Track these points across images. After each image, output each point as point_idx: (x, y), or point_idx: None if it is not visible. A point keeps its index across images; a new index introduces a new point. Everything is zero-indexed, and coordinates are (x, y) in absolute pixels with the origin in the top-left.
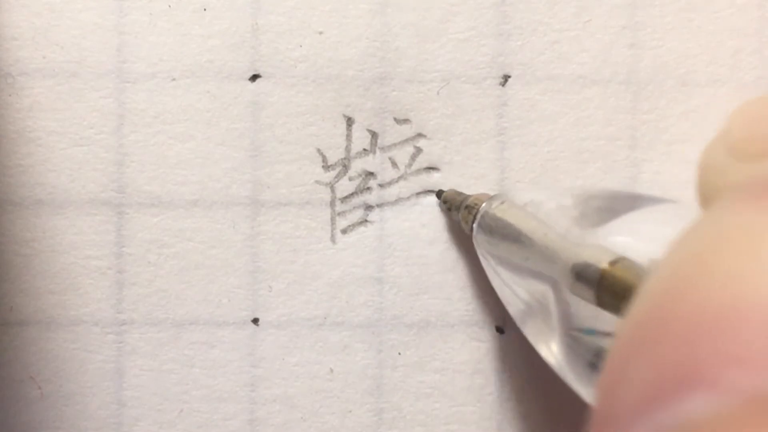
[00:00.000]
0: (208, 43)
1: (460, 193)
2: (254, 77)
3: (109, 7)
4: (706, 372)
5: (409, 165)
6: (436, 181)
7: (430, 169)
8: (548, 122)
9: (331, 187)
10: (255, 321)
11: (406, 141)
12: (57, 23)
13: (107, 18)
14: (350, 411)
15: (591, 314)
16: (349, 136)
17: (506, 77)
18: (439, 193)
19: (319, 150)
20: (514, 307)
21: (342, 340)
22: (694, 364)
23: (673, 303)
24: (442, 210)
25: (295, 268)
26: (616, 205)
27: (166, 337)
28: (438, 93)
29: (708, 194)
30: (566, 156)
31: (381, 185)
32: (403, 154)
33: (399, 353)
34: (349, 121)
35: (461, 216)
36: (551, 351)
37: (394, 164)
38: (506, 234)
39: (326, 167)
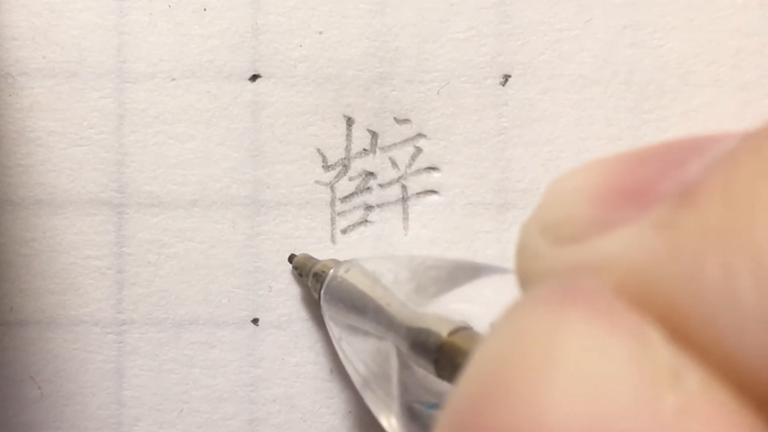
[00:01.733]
0: (208, 43)
1: (311, 258)
2: (254, 77)
3: (109, 7)
4: None
5: (409, 165)
6: (436, 180)
7: (430, 169)
8: (548, 122)
9: (331, 187)
10: (255, 321)
11: (406, 141)
12: (57, 23)
13: (107, 18)
14: (350, 411)
15: (431, 385)
16: (349, 136)
17: (506, 77)
18: (291, 258)
19: (319, 150)
20: (356, 375)
21: None
22: None
23: (475, 416)
24: (294, 276)
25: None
26: (456, 274)
27: (166, 337)
28: (438, 93)
29: (523, 278)
30: (566, 156)
31: (381, 185)
32: (403, 154)
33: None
34: (349, 121)
35: (310, 282)
36: (390, 423)
37: (394, 164)
38: (351, 300)
39: (326, 167)
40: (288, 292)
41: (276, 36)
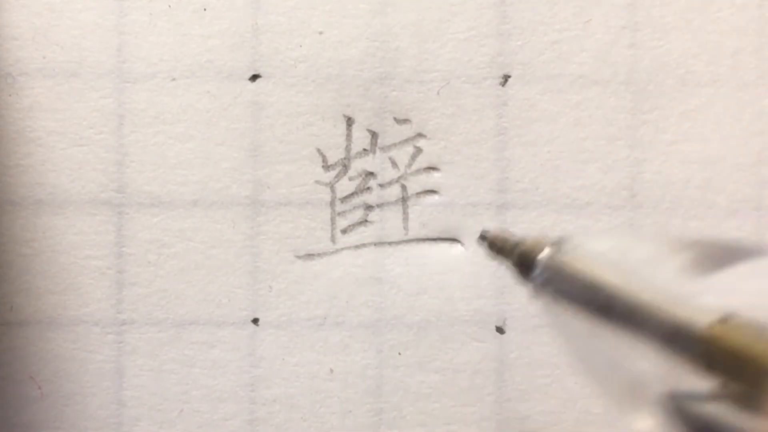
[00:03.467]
0: (208, 43)
1: (512, 235)
2: (254, 77)
3: (109, 7)
4: None
5: (409, 165)
6: (436, 180)
7: (430, 169)
8: (548, 122)
9: (331, 187)
10: (255, 321)
11: (406, 141)
12: (57, 23)
13: (107, 18)
14: (350, 411)
15: (691, 379)
16: (349, 136)
17: (506, 77)
18: (484, 234)
19: (319, 150)
20: (592, 372)
21: (342, 340)
22: None
23: None
24: (487, 254)
25: (295, 268)
26: (715, 256)
27: (166, 337)
28: (438, 93)
29: None
30: (566, 156)
31: (381, 185)
32: (403, 154)
33: (399, 353)
34: (349, 121)
35: (513, 265)
36: (646, 423)
37: (394, 164)
38: (578, 289)
39: (326, 167)
40: (288, 292)
41: (276, 36)
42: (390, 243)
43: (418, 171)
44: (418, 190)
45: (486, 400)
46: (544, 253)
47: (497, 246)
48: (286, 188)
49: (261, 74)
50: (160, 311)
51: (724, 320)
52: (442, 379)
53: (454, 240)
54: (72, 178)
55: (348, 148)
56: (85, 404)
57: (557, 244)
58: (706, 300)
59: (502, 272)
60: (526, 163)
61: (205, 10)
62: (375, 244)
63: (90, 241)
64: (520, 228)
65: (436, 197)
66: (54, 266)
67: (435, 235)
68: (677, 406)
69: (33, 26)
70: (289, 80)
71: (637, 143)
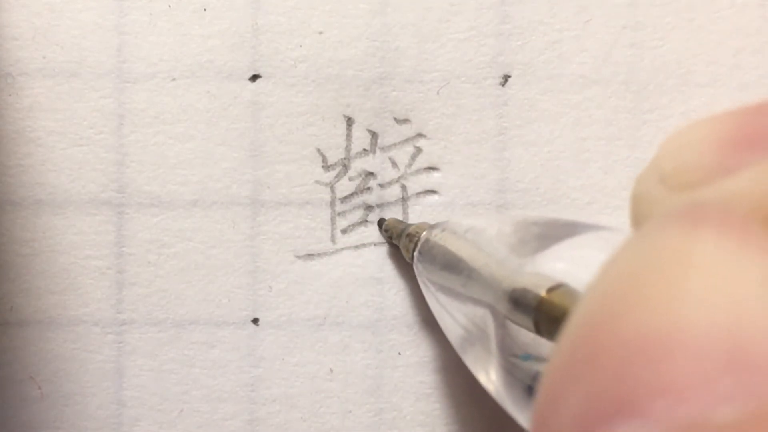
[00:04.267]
0: (208, 43)
1: (402, 222)
2: (254, 77)
3: (109, 7)
4: (637, 402)
5: (409, 165)
6: (436, 180)
7: (430, 169)
8: (548, 122)
9: (331, 187)
10: (255, 321)
11: (406, 141)
12: (57, 23)
13: (107, 18)
14: (350, 411)
15: (530, 340)
16: (349, 136)
17: (506, 77)
18: (381, 222)
19: (319, 150)
20: (453, 334)
21: (342, 340)
22: (625, 394)
23: (603, 330)
24: (384, 238)
25: (295, 268)
26: (554, 231)
27: (166, 337)
28: (438, 93)
29: (640, 224)
30: (566, 156)
31: (381, 185)
32: (403, 154)
33: (399, 353)
34: (349, 121)
35: (402, 244)
36: (489, 378)
37: (394, 164)
38: (446, 261)
39: (326, 167)
40: (288, 292)
41: (276, 36)
42: (390, 243)
43: (418, 171)
44: (418, 190)
45: (486, 400)
46: (423, 235)
47: (390, 231)
48: (286, 188)
49: (261, 74)
50: (160, 311)
51: (555, 288)
52: (442, 379)
53: None
54: (72, 178)
55: (348, 148)
56: (85, 404)
57: (433, 227)
58: (543, 270)
59: None
60: (526, 163)
61: (205, 10)
62: (375, 244)
63: (90, 241)
64: None
65: (436, 197)
66: (54, 266)
67: None
68: (517, 365)
69: (33, 26)
70: (289, 80)
71: (637, 143)
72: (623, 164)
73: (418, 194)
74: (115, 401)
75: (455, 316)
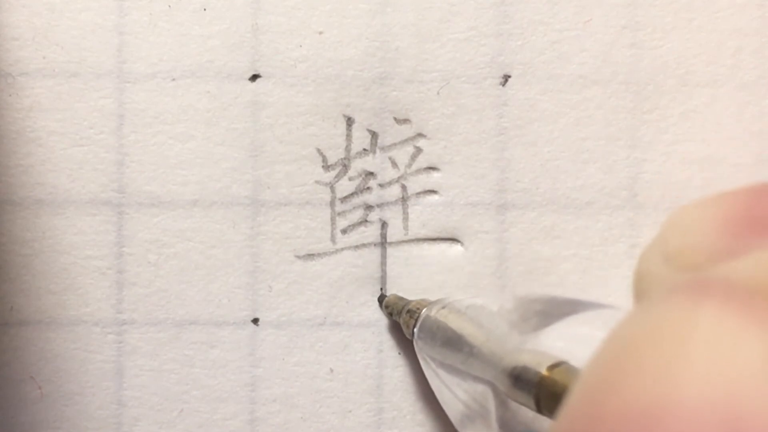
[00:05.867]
0: (208, 43)
1: (402, 298)
2: (254, 77)
3: (109, 7)
4: None
5: (409, 165)
6: (436, 180)
7: (430, 169)
8: (548, 122)
9: (331, 187)
10: (255, 321)
11: (406, 141)
12: (57, 23)
13: (107, 18)
14: (350, 411)
15: (530, 419)
16: (349, 136)
17: (506, 77)
18: (381, 298)
19: (319, 150)
20: (453, 410)
21: (342, 340)
22: None
23: (602, 402)
24: (384, 314)
25: (295, 268)
26: (556, 309)
27: (166, 337)
28: (438, 93)
29: (643, 300)
30: (566, 156)
31: (381, 185)
32: (403, 154)
33: (399, 353)
34: (349, 121)
35: (402, 320)
36: None
37: (394, 164)
38: (446, 338)
39: (326, 167)
40: (288, 292)
41: (276, 36)
42: (390, 243)
43: (418, 171)
44: (418, 190)
45: None
46: (423, 312)
47: (391, 307)
48: (286, 188)
49: (261, 74)
50: (160, 311)
51: (555, 366)
52: None
53: (454, 240)
54: (72, 178)
55: (348, 148)
56: (85, 404)
57: (433, 304)
58: (542, 348)
59: (502, 272)
60: (526, 163)
61: (205, 10)
62: (375, 244)
63: (90, 241)
64: (520, 228)
65: (436, 197)
66: (54, 266)
67: (435, 235)
68: None
69: (33, 26)
70: (289, 80)
71: (637, 143)
72: (623, 164)
73: (418, 194)
74: (115, 401)
75: (456, 393)
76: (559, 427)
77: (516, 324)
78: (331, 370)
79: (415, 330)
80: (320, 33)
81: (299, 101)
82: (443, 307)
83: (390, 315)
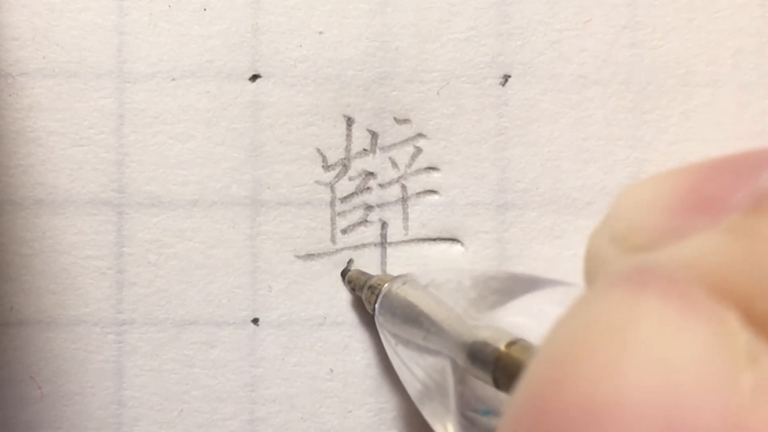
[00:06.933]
0: (208, 43)
1: (364, 273)
2: (254, 77)
3: (109, 7)
4: None
5: (409, 165)
6: (436, 180)
7: (430, 169)
8: (548, 122)
9: (331, 187)
10: (255, 321)
11: (406, 141)
12: (57, 23)
13: (107, 18)
14: (350, 411)
15: (488, 395)
16: (349, 136)
17: (506, 77)
18: (344, 272)
19: (319, 150)
20: (412, 387)
21: (342, 340)
22: None
23: (547, 397)
24: (348, 289)
25: (295, 268)
26: (513, 286)
27: (166, 337)
28: (438, 93)
29: (591, 283)
30: (566, 156)
31: (381, 185)
32: (403, 154)
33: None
34: (349, 121)
35: (364, 296)
36: (446, 429)
37: (394, 164)
38: (407, 314)
39: (326, 167)
40: (288, 292)
41: (276, 36)
42: (390, 243)
43: (418, 171)
44: (418, 190)
45: None
46: (384, 287)
47: (354, 281)
48: (286, 188)
49: (261, 74)
50: (160, 311)
51: (513, 343)
52: None
53: (454, 240)
54: (72, 178)
55: (348, 148)
56: (85, 404)
57: (395, 279)
58: (501, 325)
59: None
60: (526, 163)
61: (205, 10)
62: (375, 244)
63: (90, 241)
64: (520, 228)
65: (436, 197)
66: (54, 266)
67: (435, 235)
68: (474, 420)
69: (33, 26)
70: (289, 80)
71: (637, 143)
72: (623, 164)
73: (418, 194)
74: (115, 401)
75: (414, 370)
76: (508, 419)
77: (475, 301)
78: (331, 370)
79: (376, 305)
80: (320, 33)
81: (299, 101)
82: (404, 283)
83: (353, 290)
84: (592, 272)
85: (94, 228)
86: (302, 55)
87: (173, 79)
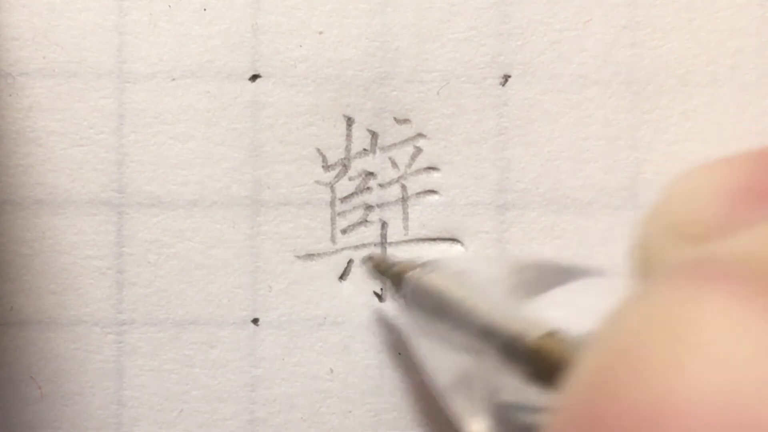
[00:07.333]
0: (208, 43)
1: (388, 259)
2: (254, 77)
3: (109, 7)
4: None
5: (409, 165)
6: (436, 180)
7: (430, 169)
8: (548, 122)
9: (331, 187)
10: (255, 321)
11: (406, 141)
12: (57, 23)
13: (107, 18)
14: (350, 411)
15: (521, 389)
16: (349, 136)
17: (506, 77)
18: (368, 258)
19: (319, 150)
20: (440, 379)
21: (342, 340)
22: None
23: (606, 399)
24: (372, 276)
25: (295, 268)
26: (550, 277)
27: (166, 337)
28: (438, 93)
29: (646, 273)
30: (566, 156)
31: (381, 185)
32: (403, 154)
33: (399, 353)
34: (349, 121)
35: (389, 284)
36: (479, 427)
37: (394, 164)
38: (435, 304)
39: (326, 167)
40: (288, 292)
41: (276, 36)
42: (390, 243)
43: (418, 171)
44: (418, 190)
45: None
46: (412, 273)
47: (378, 267)
48: (286, 188)
49: (261, 74)
50: (160, 311)
51: (550, 335)
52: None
53: (454, 240)
54: (72, 178)
55: (348, 148)
56: (85, 404)
57: (423, 265)
58: (538, 316)
59: None
60: (526, 163)
61: (205, 10)
62: (375, 244)
63: (90, 241)
64: (520, 228)
65: (436, 197)
66: (54, 266)
67: (435, 235)
68: (506, 415)
69: (33, 26)
70: (289, 80)
71: (637, 143)
72: (623, 164)
73: (418, 194)
74: (115, 401)
75: (443, 361)
76: (558, 422)
77: (509, 291)
78: (331, 371)
79: (402, 293)
80: (320, 33)
81: (299, 101)
82: (432, 271)
83: (381, 274)
84: (644, 261)
85: (94, 228)
86: (302, 55)
87: (173, 79)
